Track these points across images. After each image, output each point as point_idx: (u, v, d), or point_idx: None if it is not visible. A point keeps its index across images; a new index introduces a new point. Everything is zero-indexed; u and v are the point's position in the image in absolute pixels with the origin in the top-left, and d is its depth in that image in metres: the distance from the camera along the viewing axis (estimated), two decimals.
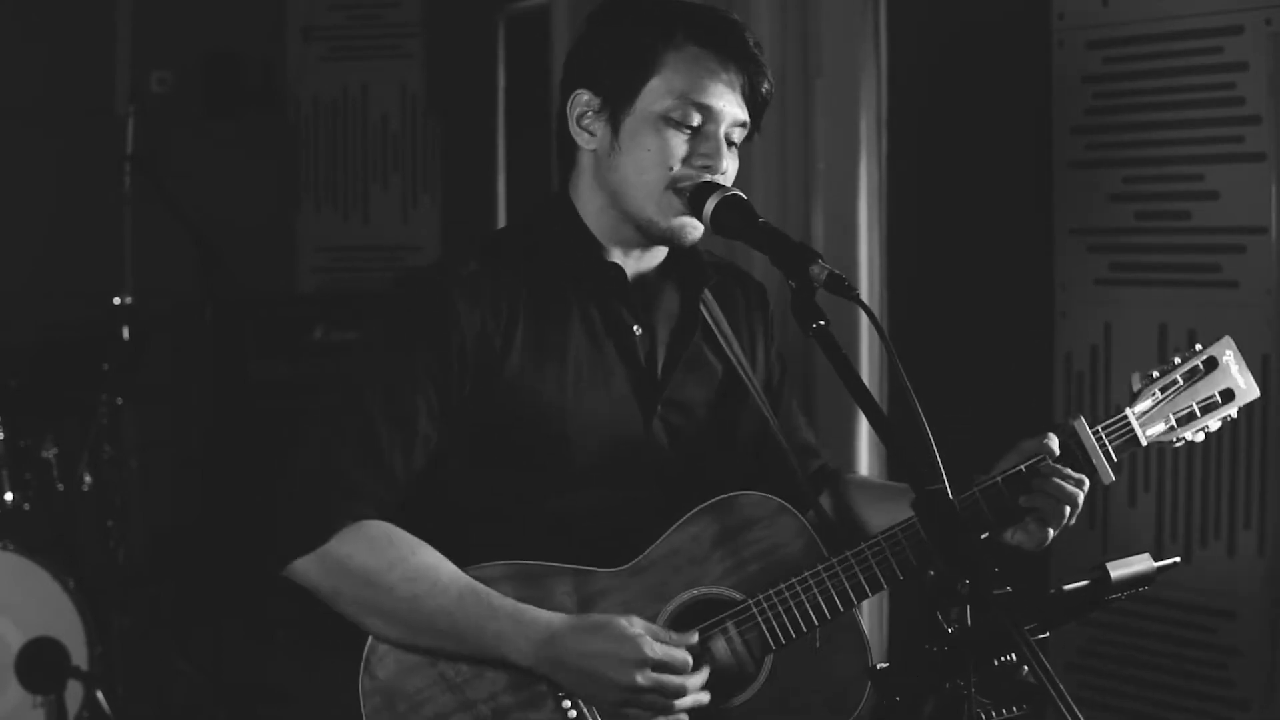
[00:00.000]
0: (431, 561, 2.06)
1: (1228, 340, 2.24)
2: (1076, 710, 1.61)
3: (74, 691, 4.03)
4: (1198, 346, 2.23)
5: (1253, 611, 3.64)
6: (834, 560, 2.09)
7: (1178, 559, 2.06)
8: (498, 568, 2.08)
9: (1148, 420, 2.17)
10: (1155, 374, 2.19)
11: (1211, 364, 2.21)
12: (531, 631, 2.03)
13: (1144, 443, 2.17)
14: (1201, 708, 3.74)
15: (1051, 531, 2.11)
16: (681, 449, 2.21)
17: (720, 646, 2.10)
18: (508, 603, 2.04)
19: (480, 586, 2.05)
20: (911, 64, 4.25)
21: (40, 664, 4.04)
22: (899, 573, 2.08)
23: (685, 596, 2.10)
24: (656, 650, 2.02)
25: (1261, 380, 3.51)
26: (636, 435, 2.17)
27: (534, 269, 2.16)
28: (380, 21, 6.13)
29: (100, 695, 4.06)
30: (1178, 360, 2.21)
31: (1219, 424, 2.22)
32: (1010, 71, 4.08)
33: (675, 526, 2.11)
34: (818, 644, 2.11)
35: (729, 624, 2.10)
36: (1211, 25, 3.63)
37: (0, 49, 5.50)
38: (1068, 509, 2.09)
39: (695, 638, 2.06)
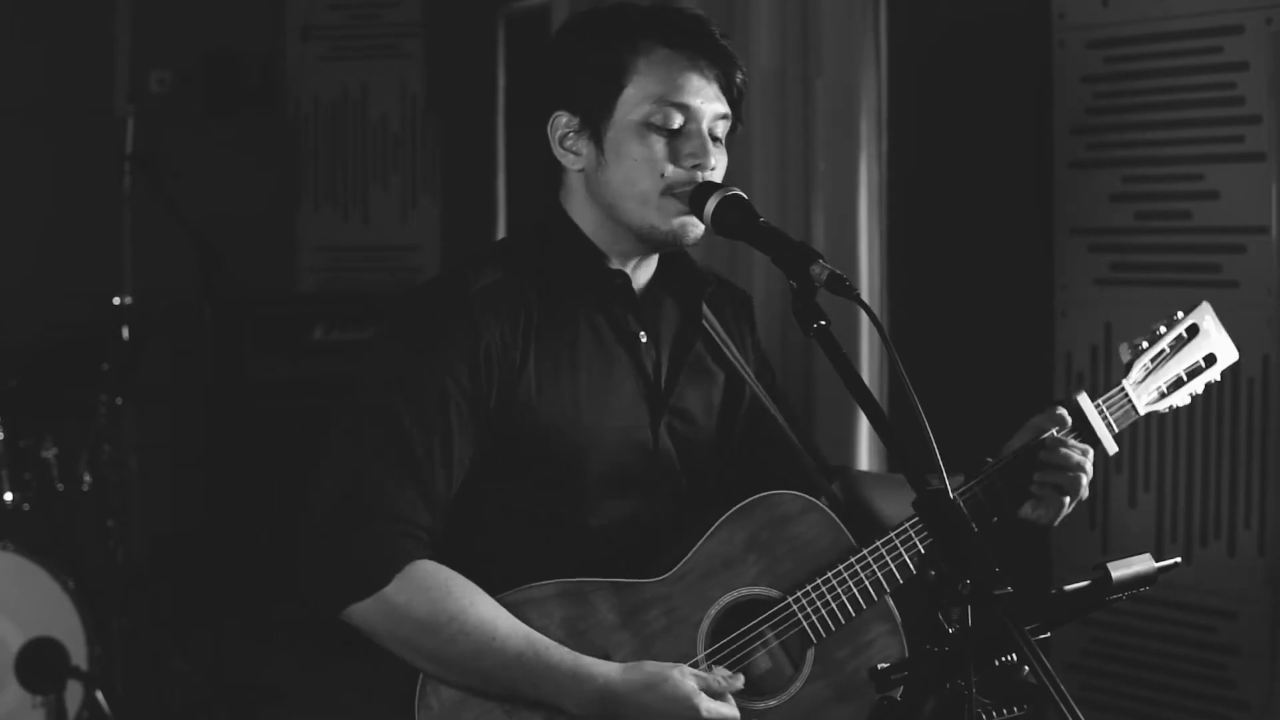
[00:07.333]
0: (489, 615, 2.03)
1: (1206, 305, 2.32)
2: (1077, 710, 1.61)
3: (74, 691, 4.02)
4: (1179, 314, 2.30)
5: (1253, 611, 3.64)
6: (865, 551, 2.14)
7: (1178, 559, 2.06)
8: (548, 587, 2.08)
9: (1141, 391, 2.26)
10: (1143, 344, 2.27)
11: (1194, 330, 2.29)
12: (588, 686, 2.03)
13: (1141, 413, 2.26)
14: (1201, 708, 3.74)
15: (1068, 502, 2.18)
16: (687, 456, 2.22)
17: (765, 648, 2.13)
18: (566, 657, 2.04)
19: (538, 639, 2.04)
20: (911, 64, 4.25)
21: (40, 664, 4.03)
22: None
23: (726, 599, 2.13)
24: (712, 710, 2.04)
25: (1262, 380, 3.52)
26: (646, 443, 2.18)
27: (542, 279, 2.15)
28: (380, 21, 6.13)
29: (100, 695, 4.05)
30: (1163, 329, 2.28)
31: (1203, 387, 2.30)
32: (1010, 71, 4.08)
33: (709, 532, 2.13)
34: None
35: (771, 623, 2.12)
36: (1211, 25, 3.63)
37: (0, 49, 5.49)
38: (1080, 477, 2.16)
39: (741, 682, 2.08)
